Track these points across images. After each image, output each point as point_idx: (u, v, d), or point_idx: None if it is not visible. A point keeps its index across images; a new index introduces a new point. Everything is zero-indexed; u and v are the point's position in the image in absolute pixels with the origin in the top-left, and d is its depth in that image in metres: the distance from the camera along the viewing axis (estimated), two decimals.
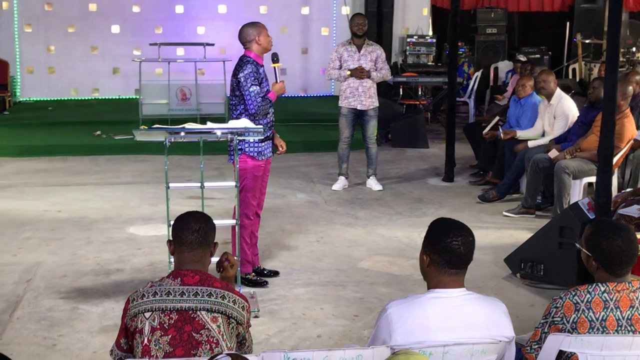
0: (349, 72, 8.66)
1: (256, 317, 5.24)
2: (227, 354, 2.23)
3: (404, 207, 8.10)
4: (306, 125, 12.28)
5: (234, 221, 5.47)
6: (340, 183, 8.98)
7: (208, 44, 12.19)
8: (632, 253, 3.14)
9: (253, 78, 5.66)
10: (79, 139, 11.25)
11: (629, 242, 3.13)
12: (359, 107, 8.75)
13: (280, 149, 6.02)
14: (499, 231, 7.30)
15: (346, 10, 13.54)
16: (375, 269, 6.27)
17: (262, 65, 5.85)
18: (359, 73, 8.63)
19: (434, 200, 8.47)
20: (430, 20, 15.35)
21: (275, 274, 6.09)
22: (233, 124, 5.35)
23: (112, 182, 9.15)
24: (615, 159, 7.14)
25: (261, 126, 5.41)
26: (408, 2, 15.12)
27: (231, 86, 5.80)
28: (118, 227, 7.31)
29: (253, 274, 5.97)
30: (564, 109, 8.17)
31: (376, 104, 8.86)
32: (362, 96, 8.71)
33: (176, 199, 7.68)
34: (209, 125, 5.36)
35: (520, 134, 8.52)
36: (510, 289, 5.84)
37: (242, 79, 5.64)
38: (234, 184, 5.38)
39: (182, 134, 5.17)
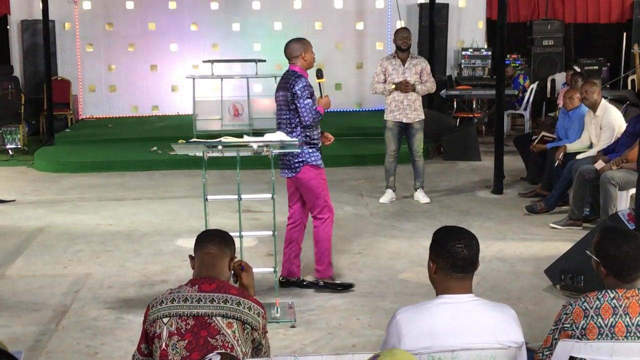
0: (393, 86, 8.71)
1: (293, 327, 5.34)
2: (218, 353, 2.32)
3: (450, 220, 8.09)
4: (358, 139, 12.35)
5: (270, 232, 5.58)
6: (388, 196, 9.02)
7: (260, 60, 12.40)
8: (639, 259, 3.14)
9: (308, 92, 5.84)
10: (136, 155, 11.56)
11: (637, 248, 3.12)
12: (404, 121, 8.79)
13: (328, 141, 6.22)
14: (544, 243, 7.25)
15: (400, 24, 13.59)
16: (415, 280, 6.29)
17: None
18: (404, 86, 8.68)
19: (481, 212, 8.44)
20: (485, 33, 15.29)
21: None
22: (269, 137, 5.47)
23: (164, 196, 9.38)
24: None
25: (296, 139, 5.53)
26: (463, 15, 15.13)
27: (283, 100, 5.93)
28: (166, 239, 7.50)
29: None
30: (610, 120, 8.08)
31: (422, 116, 8.89)
32: (407, 109, 8.75)
33: (225, 212, 7.86)
34: (246, 138, 5.49)
35: (569, 147, 8.45)
36: (549, 300, 5.80)
37: (298, 92, 5.80)
38: (270, 195, 5.49)
39: (220, 147, 5.32)
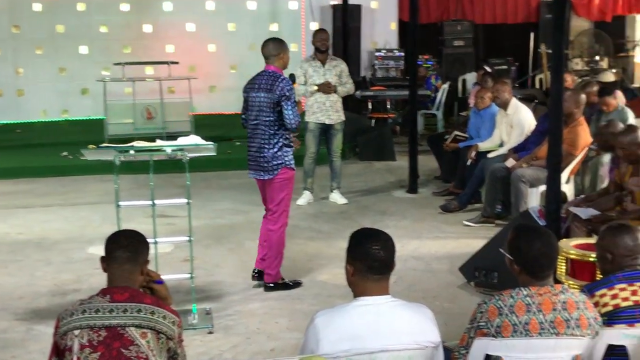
0: (316, 87, 8.71)
1: (210, 333, 5.27)
2: None
3: (367, 220, 8.13)
4: None
5: (186, 238, 5.49)
6: (305, 198, 9.02)
7: (173, 62, 12.23)
8: (552, 256, 3.20)
9: (294, 94, 5.90)
10: (46, 160, 11.26)
11: (550, 245, 3.19)
12: (327, 122, 8.81)
13: (297, 146, 6.39)
14: (458, 241, 7.36)
15: (315, 26, 13.62)
16: (333, 281, 6.29)
17: None
18: (326, 88, 8.69)
19: (397, 212, 8.52)
20: (397, 34, 15.44)
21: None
22: (182, 140, 5.39)
23: (76, 202, 9.16)
24: (570, 166, 7.27)
25: (212, 143, 5.46)
26: (376, 16, 15.24)
27: (265, 102, 5.90)
28: (78, 247, 7.31)
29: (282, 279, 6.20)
30: (520, 118, 8.27)
31: (343, 117, 8.93)
32: (329, 110, 8.77)
33: (139, 217, 7.70)
34: (159, 142, 5.39)
35: (481, 145, 8.61)
36: (464, 297, 5.89)
37: (287, 94, 5.80)
38: (185, 200, 5.40)
39: (132, 152, 5.21)
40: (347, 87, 8.84)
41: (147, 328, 3.06)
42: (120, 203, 5.32)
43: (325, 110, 8.76)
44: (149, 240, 3.45)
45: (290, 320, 5.51)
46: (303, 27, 15.05)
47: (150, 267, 3.43)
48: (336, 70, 8.80)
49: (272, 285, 6.11)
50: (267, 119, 5.89)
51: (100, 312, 3.06)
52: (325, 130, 8.90)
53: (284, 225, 6.10)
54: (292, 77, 6.09)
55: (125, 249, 3.23)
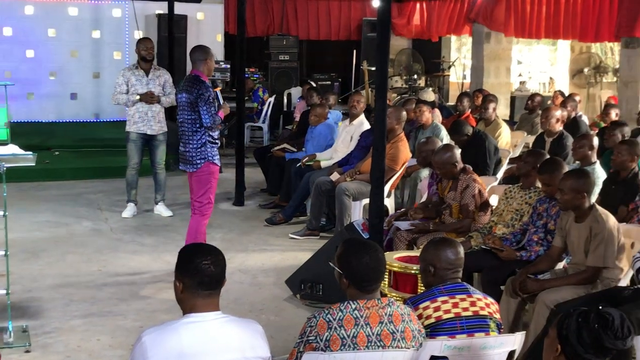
0: (138, 97, 8.52)
1: (27, 351, 5.04)
2: None
3: None
4: (97, 151, 11.98)
5: (1, 252, 5.21)
6: (130, 210, 8.80)
7: None
8: (379, 270, 3.28)
9: (210, 97, 6.33)
10: None
11: (377, 260, 3.27)
12: (149, 132, 8.64)
13: None
14: (284, 253, 7.43)
15: (139, 34, 13.33)
16: (158, 296, 6.18)
17: None
18: (149, 98, 8.52)
19: (223, 224, 8.48)
20: (223, 46, 15.42)
21: None
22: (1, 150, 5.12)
23: None
24: (391, 181, 7.51)
25: (31, 152, 5.22)
26: (202, 27, 15.12)
27: (186, 102, 6.34)
28: None
29: None
30: (360, 133, 8.48)
31: (165, 128, 8.81)
32: (151, 121, 8.62)
33: None
34: None
35: (319, 156, 8.80)
36: (290, 310, 5.94)
37: (202, 96, 6.25)
38: (1, 213, 5.12)
39: None
40: (171, 97, 8.72)
41: None
42: None
43: (147, 121, 8.60)
44: None
45: (113, 337, 5.35)
46: (127, 36, 14.72)
47: None
48: (160, 80, 8.67)
49: None
50: (189, 117, 6.37)
51: None
52: (148, 141, 8.74)
53: (205, 217, 6.55)
54: (214, 83, 6.77)
55: None
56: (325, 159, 8.73)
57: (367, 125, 8.60)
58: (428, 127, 8.93)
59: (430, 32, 16.36)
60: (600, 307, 2.70)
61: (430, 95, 12.81)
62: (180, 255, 3.10)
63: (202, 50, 6.51)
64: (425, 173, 7.99)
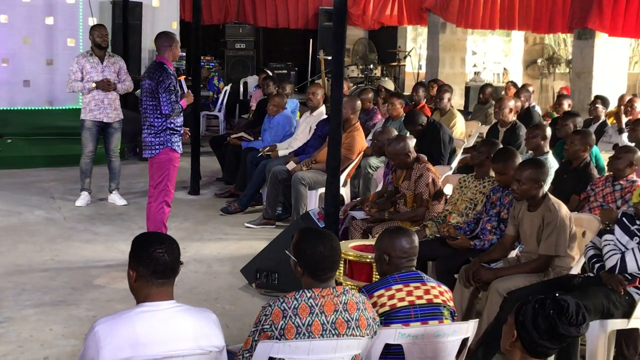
0: (94, 84, 8.42)
1: None
2: None
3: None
4: (50, 139, 11.80)
5: None
6: (84, 199, 8.70)
7: None
8: (334, 259, 3.29)
9: (171, 84, 6.28)
10: None
11: (332, 249, 3.28)
12: (105, 120, 8.55)
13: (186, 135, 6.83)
14: (239, 242, 7.41)
15: (93, 21, 13.15)
16: (112, 285, 6.12)
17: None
18: (106, 85, 8.43)
19: (178, 213, 8.41)
20: (179, 34, 15.29)
21: None
22: None
23: None
24: (347, 170, 7.53)
25: None
26: (157, 15, 14.97)
27: (148, 88, 6.30)
28: None
29: None
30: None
31: (121, 116, 8.73)
32: (108, 108, 8.53)
33: None
34: None
35: (279, 146, 8.77)
36: (246, 299, 5.93)
37: (162, 84, 6.23)
38: None
39: None
40: (127, 84, 8.65)
41: None
42: None
43: (104, 108, 8.51)
44: None
45: (66, 327, 5.29)
46: (80, 22, 14.52)
47: None
48: (115, 67, 8.58)
49: None
50: (151, 103, 6.35)
51: None
52: (103, 129, 8.64)
53: (162, 203, 6.50)
54: (180, 71, 6.38)
55: None
56: (285, 149, 8.72)
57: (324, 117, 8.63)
58: (397, 119, 9.01)
59: (384, 21, 16.40)
60: (557, 294, 2.73)
61: (389, 84, 12.87)
62: (134, 243, 3.08)
63: (167, 37, 6.49)
64: (373, 161, 8.05)
